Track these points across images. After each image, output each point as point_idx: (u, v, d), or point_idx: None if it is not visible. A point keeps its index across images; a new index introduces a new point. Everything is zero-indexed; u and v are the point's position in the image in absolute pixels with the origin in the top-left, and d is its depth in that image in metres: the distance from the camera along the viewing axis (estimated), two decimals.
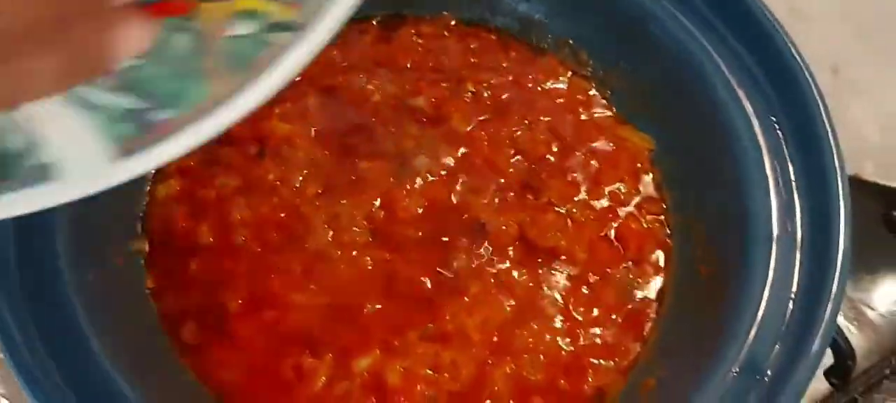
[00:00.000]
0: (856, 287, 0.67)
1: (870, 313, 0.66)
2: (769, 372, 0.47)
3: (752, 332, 0.49)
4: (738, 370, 0.48)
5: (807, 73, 0.51)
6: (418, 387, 0.50)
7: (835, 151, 0.50)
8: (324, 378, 0.50)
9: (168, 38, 0.35)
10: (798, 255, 0.50)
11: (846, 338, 0.58)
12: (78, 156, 0.33)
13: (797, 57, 0.51)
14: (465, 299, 0.53)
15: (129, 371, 0.45)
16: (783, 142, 0.53)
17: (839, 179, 0.50)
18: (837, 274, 0.48)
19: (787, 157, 0.52)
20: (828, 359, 0.59)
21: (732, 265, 0.53)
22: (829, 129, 0.50)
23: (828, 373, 0.61)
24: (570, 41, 0.64)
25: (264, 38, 0.34)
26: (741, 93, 0.54)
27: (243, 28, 0.35)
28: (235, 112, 0.32)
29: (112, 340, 0.46)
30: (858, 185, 0.63)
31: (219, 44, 0.35)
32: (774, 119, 0.53)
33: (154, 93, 0.34)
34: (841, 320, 0.67)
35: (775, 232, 0.51)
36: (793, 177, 0.52)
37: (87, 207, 0.35)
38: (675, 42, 0.57)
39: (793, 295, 0.49)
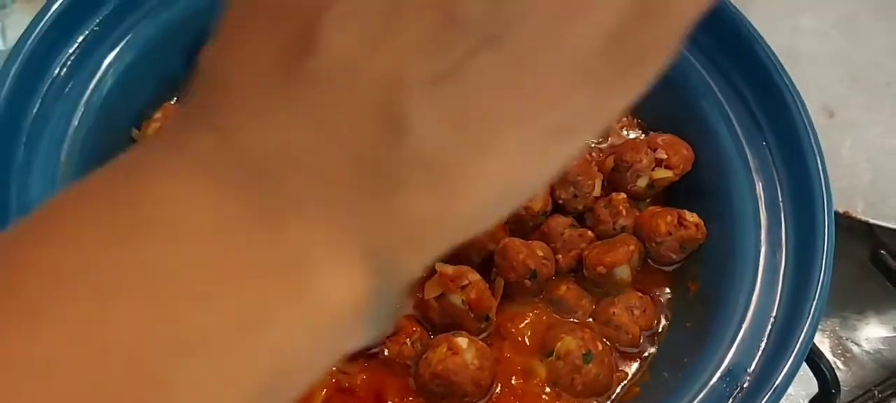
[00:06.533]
0: (844, 324, 0.69)
1: (856, 349, 0.68)
2: (748, 381, 0.49)
3: (734, 346, 0.51)
4: (718, 376, 0.50)
5: (795, 99, 0.54)
6: None
7: (821, 173, 0.52)
8: None
9: None
10: (781, 274, 0.52)
11: (831, 368, 0.59)
12: None
13: (787, 83, 0.54)
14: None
15: None
16: (773, 166, 0.55)
17: (825, 201, 0.52)
18: (818, 291, 0.50)
19: (776, 179, 0.55)
20: (813, 389, 0.60)
21: (720, 281, 0.55)
22: (816, 150, 0.52)
23: None
24: None
25: None
26: (733, 117, 0.56)
27: None
28: None
29: None
30: (849, 224, 0.65)
31: None
32: (765, 143, 0.55)
33: None
34: (829, 355, 0.68)
35: (763, 249, 0.53)
36: (780, 199, 0.54)
37: None
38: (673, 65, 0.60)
39: (774, 313, 0.51)
